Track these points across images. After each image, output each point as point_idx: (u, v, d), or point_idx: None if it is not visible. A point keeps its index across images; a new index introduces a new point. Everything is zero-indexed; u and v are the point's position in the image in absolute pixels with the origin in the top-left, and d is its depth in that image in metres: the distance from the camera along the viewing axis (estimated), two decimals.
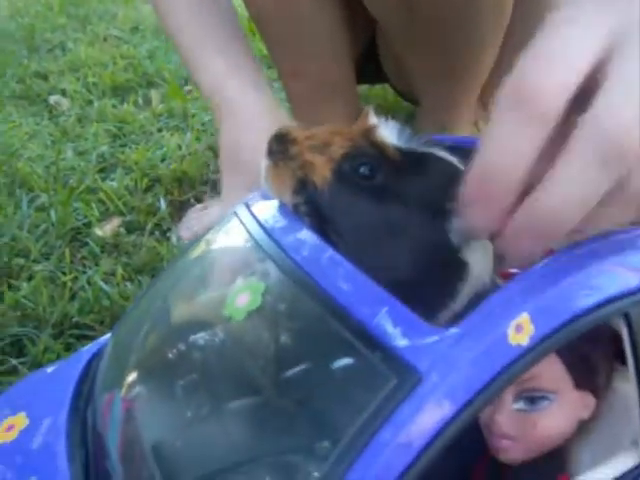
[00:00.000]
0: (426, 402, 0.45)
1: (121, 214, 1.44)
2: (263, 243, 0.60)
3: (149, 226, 1.37)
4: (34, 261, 1.26)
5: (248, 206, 0.67)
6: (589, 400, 0.61)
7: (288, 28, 1.23)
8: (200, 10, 1.06)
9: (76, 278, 1.22)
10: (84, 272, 1.23)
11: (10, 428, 0.62)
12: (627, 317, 0.53)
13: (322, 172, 0.59)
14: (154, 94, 2.08)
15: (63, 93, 2.18)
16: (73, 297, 1.18)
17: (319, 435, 0.48)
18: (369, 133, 0.60)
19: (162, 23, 1.11)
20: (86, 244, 1.34)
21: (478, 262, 0.58)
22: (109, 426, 0.62)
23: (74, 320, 1.11)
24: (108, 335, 0.74)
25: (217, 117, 0.99)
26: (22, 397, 0.69)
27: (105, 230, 1.38)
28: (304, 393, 0.51)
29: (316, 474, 0.46)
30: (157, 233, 1.37)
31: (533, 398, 0.59)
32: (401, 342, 0.47)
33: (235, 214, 0.67)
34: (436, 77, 1.25)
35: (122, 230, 1.37)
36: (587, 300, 0.51)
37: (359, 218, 0.57)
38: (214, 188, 1.52)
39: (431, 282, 0.57)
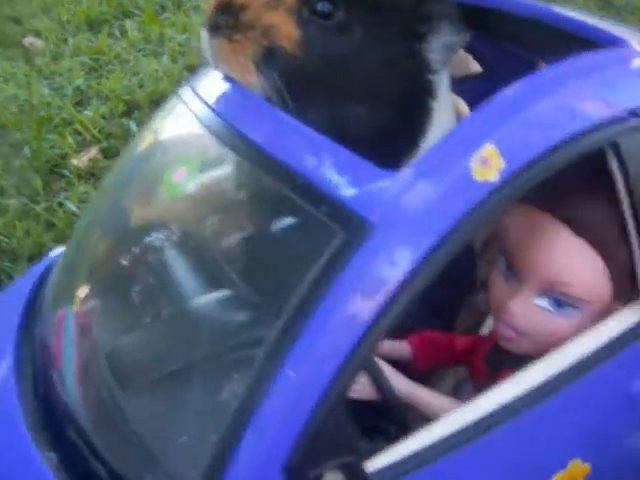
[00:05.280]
0: (379, 256, 0.39)
1: (98, 142, 1.37)
2: (201, 115, 0.53)
3: None
4: (8, 197, 1.20)
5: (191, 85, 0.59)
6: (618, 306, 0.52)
7: None
8: None
9: (53, 210, 1.17)
10: (59, 202, 1.18)
11: None
12: (616, 147, 0.46)
13: (288, 32, 0.50)
14: (130, 24, 2.00)
15: (37, 34, 2.10)
16: (51, 228, 1.13)
17: (267, 305, 0.42)
18: None
19: None
20: (63, 176, 1.28)
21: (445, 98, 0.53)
22: (63, 338, 0.57)
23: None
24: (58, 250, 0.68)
25: None
26: None
27: (83, 160, 1.32)
28: (249, 261, 0.45)
29: (265, 345, 0.40)
30: None
31: (561, 302, 0.51)
32: (348, 191, 0.40)
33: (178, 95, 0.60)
34: None
35: (99, 157, 1.31)
36: (567, 127, 0.44)
37: (338, 68, 0.50)
38: None
39: (403, 107, 0.52)
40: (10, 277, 1.01)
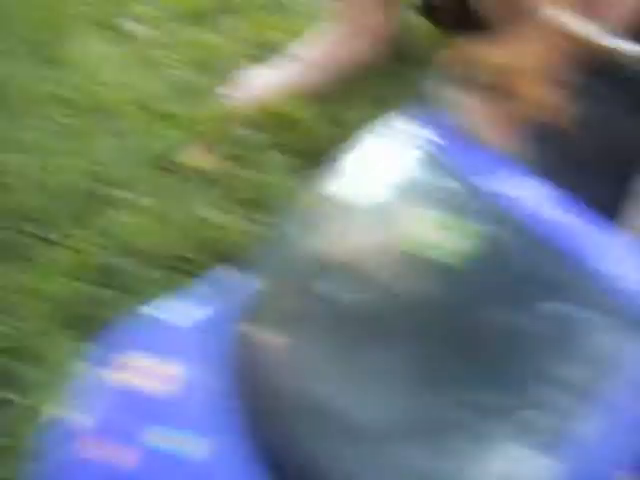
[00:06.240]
0: None
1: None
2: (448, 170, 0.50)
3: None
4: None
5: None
6: None
7: None
8: None
9: None
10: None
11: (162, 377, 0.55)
12: None
13: (560, 106, 0.46)
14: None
15: (138, 20, 2.09)
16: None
17: None
18: (577, 38, 0.49)
19: None
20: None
21: None
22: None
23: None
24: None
25: None
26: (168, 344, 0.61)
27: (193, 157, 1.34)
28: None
29: None
30: None
31: None
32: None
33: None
34: None
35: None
36: None
37: (621, 143, 0.47)
38: None
39: None
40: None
